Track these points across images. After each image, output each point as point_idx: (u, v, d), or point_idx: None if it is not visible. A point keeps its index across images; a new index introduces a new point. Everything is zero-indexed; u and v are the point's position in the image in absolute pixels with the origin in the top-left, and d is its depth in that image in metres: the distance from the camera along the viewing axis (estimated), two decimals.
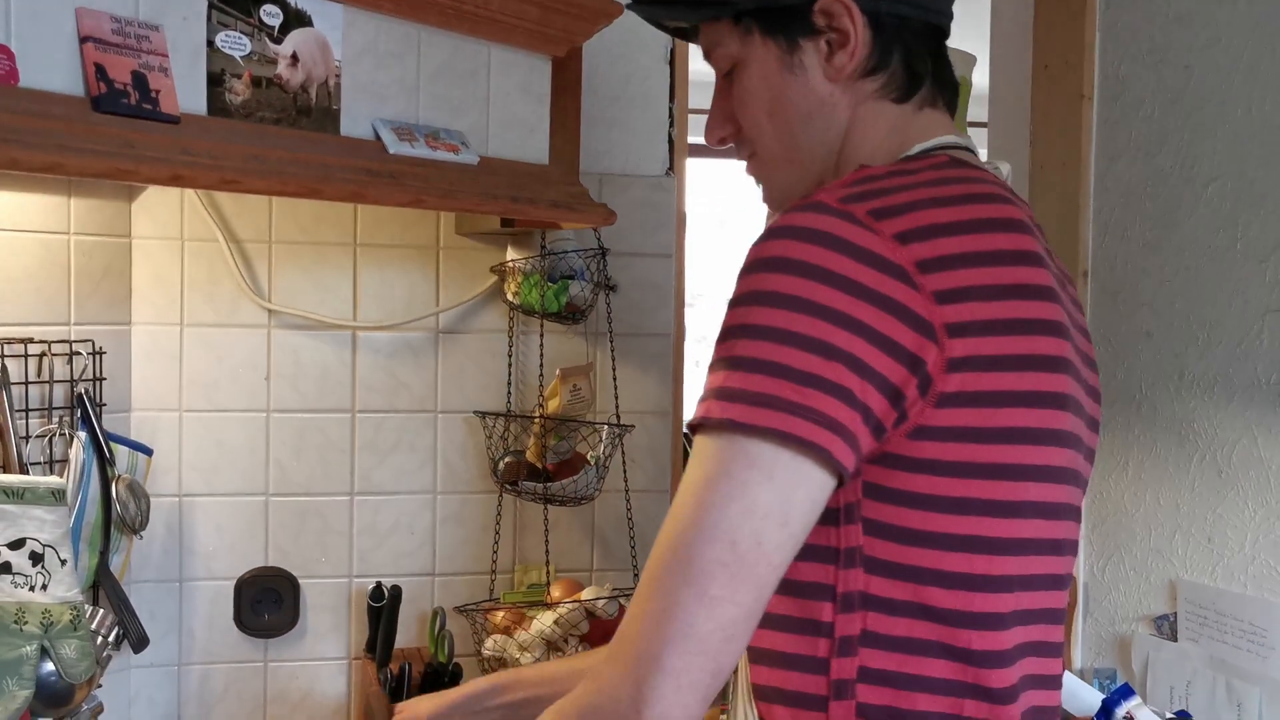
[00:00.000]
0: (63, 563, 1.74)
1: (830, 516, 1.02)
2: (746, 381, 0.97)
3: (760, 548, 0.96)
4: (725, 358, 0.99)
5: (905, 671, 1.03)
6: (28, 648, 1.68)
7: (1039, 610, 1.08)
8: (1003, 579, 1.04)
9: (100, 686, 1.89)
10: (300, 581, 2.17)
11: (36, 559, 1.72)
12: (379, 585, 2.08)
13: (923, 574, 1.02)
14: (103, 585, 1.91)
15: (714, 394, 0.99)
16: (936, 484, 1.00)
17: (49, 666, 1.73)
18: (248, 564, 2.15)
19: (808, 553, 1.01)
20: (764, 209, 1.28)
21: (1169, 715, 1.83)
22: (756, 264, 1.01)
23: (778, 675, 1.07)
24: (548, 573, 2.19)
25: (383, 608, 2.04)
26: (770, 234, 1.01)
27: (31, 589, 1.71)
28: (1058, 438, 1.04)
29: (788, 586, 1.02)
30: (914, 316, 0.98)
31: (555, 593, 2.16)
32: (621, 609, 2.08)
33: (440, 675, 1.98)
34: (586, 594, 2.07)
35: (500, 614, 2.12)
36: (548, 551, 2.17)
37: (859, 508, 1.02)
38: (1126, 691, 2.00)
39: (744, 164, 1.26)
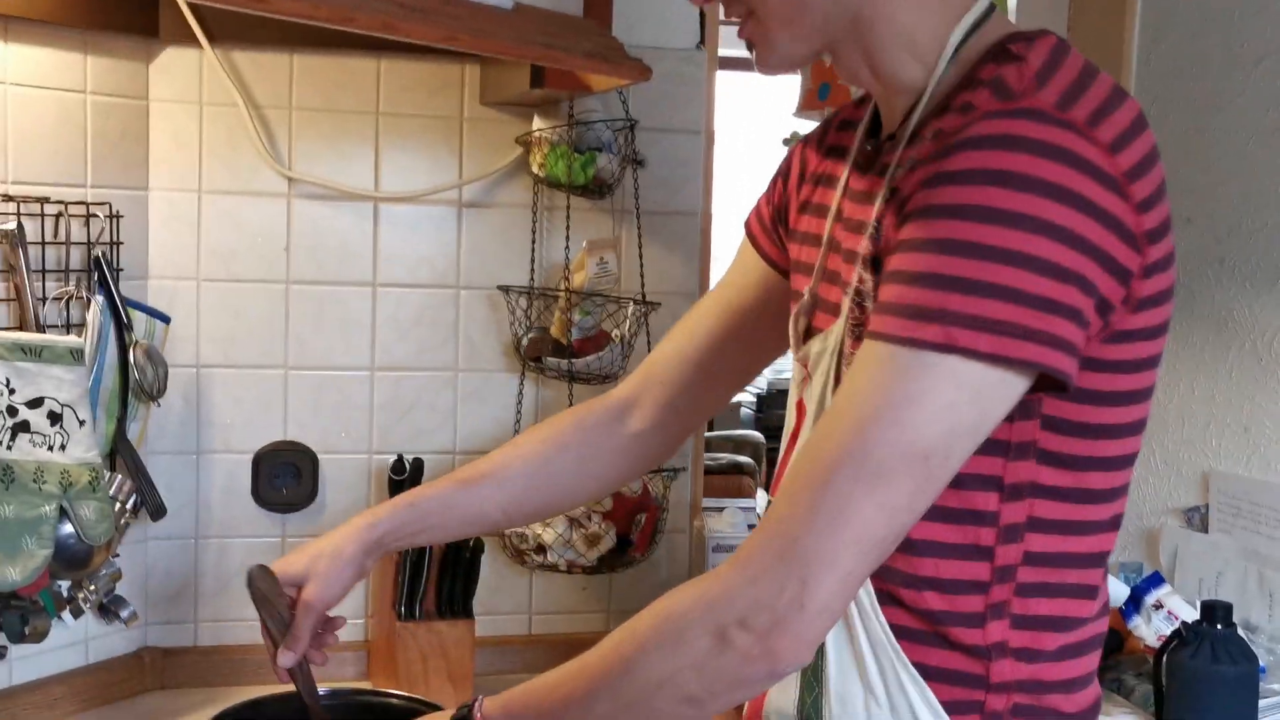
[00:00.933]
0: (81, 423, 1.71)
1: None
2: (979, 307, 0.94)
3: (949, 461, 0.97)
4: (945, 275, 0.95)
5: (1063, 550, 1.07)
6: (46, 507, 1.66)
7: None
8: (1133, 455, 1.09)
9: (118, 556, 1.87)
10: (319, 456, 2.14)
11: (55, 419, 1.69)
12: (400, 458, 2.05)
13: (1090, 461, 1.05)
14: (120, 453, 1.88)
15: (932, 315, 0.94)
16: (1119, 380, 1.04)
17: (68, 528, 1.71)
18: (266, 438, 2.12)
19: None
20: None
21: (1200, 602, 1.80)
22: (981, 175, 0.95)
23: (931, 564, 1.06)
24: None
25: (404, 481, 2.00)
26: (992, 142, 0.96)
27: (50, 449, 1.68)
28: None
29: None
30: (1126, 230, 0.98)
31: None
32: (645, 488, 2.05)
33: (461, 551, 1.96)
34: None
35: None
36: None
37: (1039, 405, 1.02)
38: (1156, 580, 1.98)
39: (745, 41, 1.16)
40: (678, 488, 2.20)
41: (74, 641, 1.95)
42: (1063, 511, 1.06)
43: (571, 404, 2.12)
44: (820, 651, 1.10)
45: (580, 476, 1.44)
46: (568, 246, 2.11)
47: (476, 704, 1.14)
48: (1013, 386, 0.96)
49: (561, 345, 2.08)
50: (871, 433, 0.95)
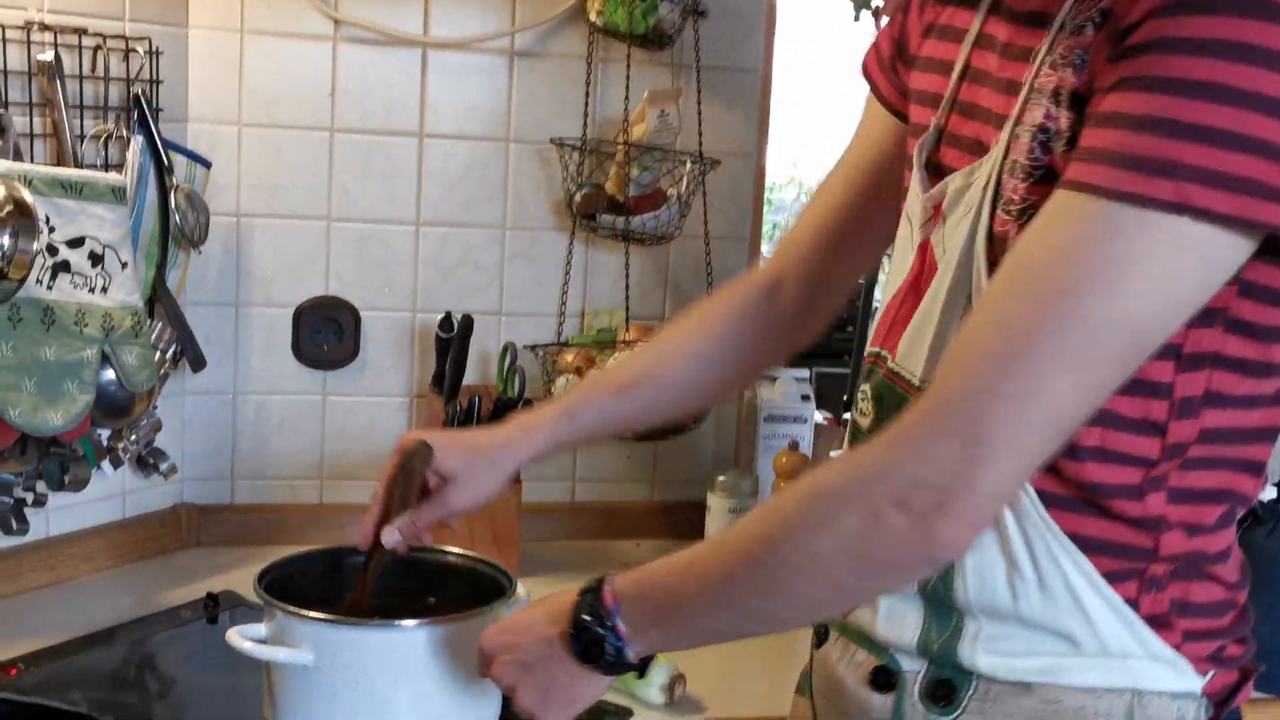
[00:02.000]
0: (123, 266, 1.64)
1: None
2: (1219, 160, 0.82)
3: (1161, 334, 0.87)
4: (1180, 121, 0.82)
5: (1236, 426, 0.97)
6: (88, 351, 1.59)
7: None
8: None
9: (157, 407, 1.82)
10: (361, 313, 2.07)
11: (96, 260, 1.62)
12: (449, 315, 1.97)
13: (1276, 332, 0.94)
14: (160, 300, 1.81)
15: (1162, 168, 0.82)
16: None
17: (109, 375, 1.64)
18: (307, 292, 2.05)
19: None
20: None
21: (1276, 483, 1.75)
22: (1230, 3, 0.82)
23: (1096, 434, 0.95)
24: (626, 313, 2.09)
25: (451, 339, 1.93)
26: None
27: (92, 291, 1.61)
28: None
29: None
30: None
31: (628, 336, 2.06)
32: None
33: (511, 409, 1.89)
34: None
35: (571, 354, 2.03)
36: (627, 291, 2.05)
37: (1242, 267, 0.89)
38: None
39: None
40: None
41: (110, 495, 1.90)
42: (1244, 387, 0.95)
43: (628, 262, 2.05)
44: None
45: (737, 366, 1.34)
46: (627, 98, 2.01)
47: (607, 580, 1.05)
48: (1242, 251, 0.86)
49: (616, 202, 1.99)
50: (1078, 301, 0.84)
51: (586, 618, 1.03)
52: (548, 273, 2.12)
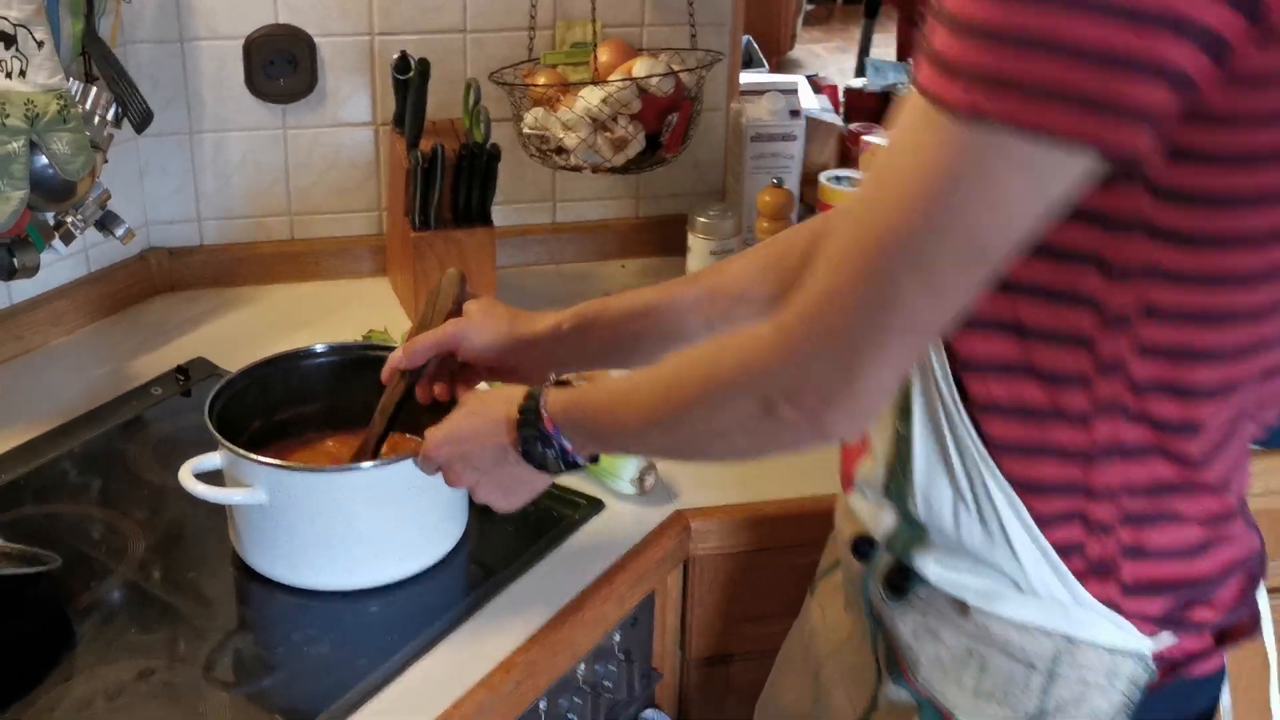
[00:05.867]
0: (40, 45, 1.51)
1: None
2: (1026, 68, 0.73)
3: (1005, 241, 0.80)
4: (988, 23, 0.74)
5: (1188, 344, 0.89)
6: (14, 144, 1.49)
7: None
8: None
9: (101, 183, 1.71)
10: (316, 40, 1.93)
11: (8, 41, 1.48)
12: (404, 55, 1.83)
13: (1218, 240, 0.85)
14: (92, 55, 1.68)
15: (973, 74, 0.75)
16: (1259, 138, 0.80)
17: (44, 159, 1.54)
18: (255, 21, 1.90)
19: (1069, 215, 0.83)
20: None
21: None
22: None
23: (1021, 348, 0.92)
24: (594, 30, 1.95)
25: (409, 80, 1.81)
26: None
27: (9, 76, 1.49)
28: None
29: (1040, 250, 0.85)
30: None
31: (603, 56, 1.92)
32: (678, 82, 1.85)
33: (476, 156, 1.79)
34: (638, 68, 1.83)
35: (541, 80, 1.90)
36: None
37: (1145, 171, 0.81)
38: None
39: None
40: (713, 78, 2.00)
41: (73, 252, 1.83)
42: (1187, 298, 0.87)
43: None
44: (907, 442, 1.00)
45: None
46: None
47: (541, 402, 1.11)
48: (1082, 167, 0.76)
49: None
50: (913, 212, 0.80)
51: (531, 433, 1.12)
52: None
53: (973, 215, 0.78)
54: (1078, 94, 0.73)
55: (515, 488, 1.20)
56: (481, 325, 1.28)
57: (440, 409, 1.35)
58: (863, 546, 1.10)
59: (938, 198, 0.78)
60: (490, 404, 1.18)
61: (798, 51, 4.84)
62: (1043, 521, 0.95)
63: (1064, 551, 0.96)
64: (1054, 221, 0.82)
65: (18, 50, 1.49)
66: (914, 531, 1.04)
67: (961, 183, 0.78)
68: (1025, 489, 0.95)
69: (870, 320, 0.84)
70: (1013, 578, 0.98)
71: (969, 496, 0.97)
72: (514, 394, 1.15)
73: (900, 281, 0.81)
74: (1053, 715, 1.00)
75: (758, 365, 0.91)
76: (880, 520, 1.07)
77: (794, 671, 1.31)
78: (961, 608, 1.01)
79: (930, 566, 1.02)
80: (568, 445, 1.11)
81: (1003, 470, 0.95)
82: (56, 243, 1.68)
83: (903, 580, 1.05)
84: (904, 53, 3.05)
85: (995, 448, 0.95)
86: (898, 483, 1.02)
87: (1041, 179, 0.77)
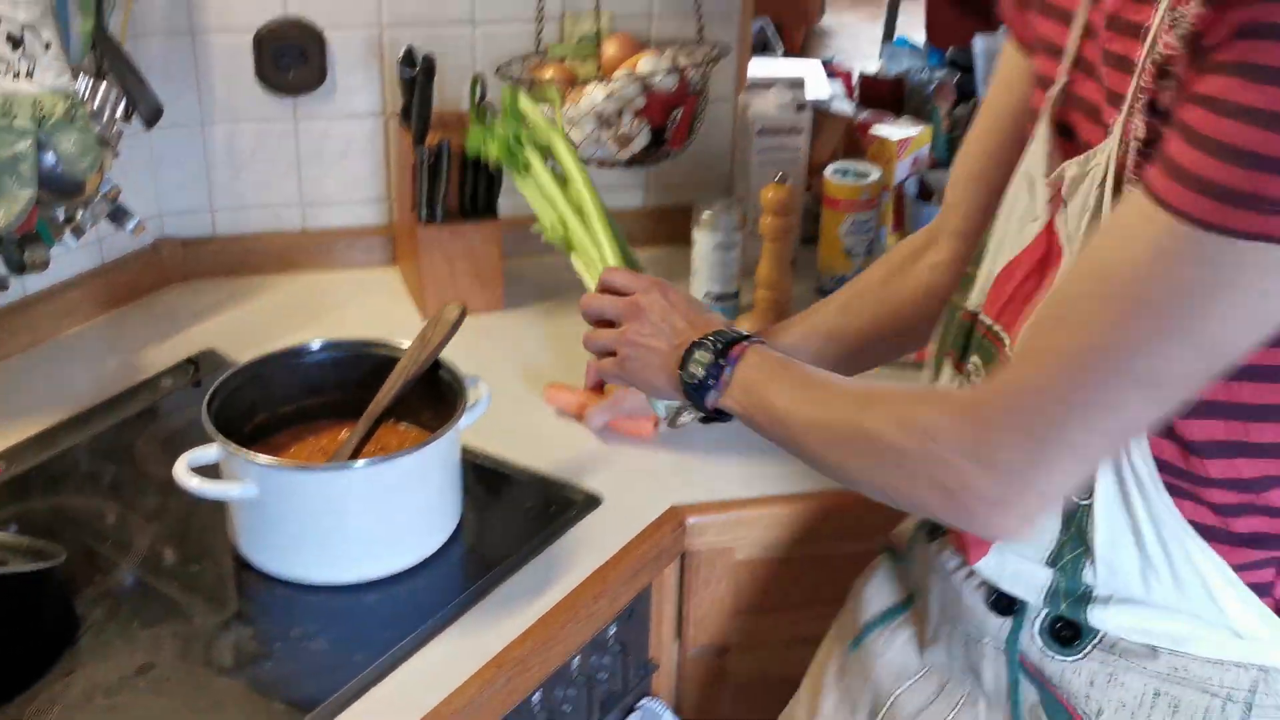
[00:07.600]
0: (46, 46, 1.53)
1: None
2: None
3: (1238, 353, 0.83)
4: (1265, 155, 0.76)
5: None
6: (22, 144, 1.51)
7: None
8: None
9: (119, 155, 1.74)
10: (325, 34, 1.95)
11: (15, 43, 1.51)
12: (409, 51, 1.85)
13: None
14: (103, 51, 1.70)
15: (1246, 201, 0.77)
16: None
17: (53, 158, 1.57)
18: (266, 14, 1.92)
19: None
20: None
21: None
22: None
23: (1241, 429, 0.93)
24: (599, 22, 1.95)
25: (415, 78, 1.82)
26: None
27: (16, 77, 1.51)
28: None
29: None
30: None
31: (609, 50, 1.93)
32: (682, 79, 1.85)
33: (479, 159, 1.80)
34: (642, 66, 1.84)
35: (549, 74, 1.91)
36: None
37: None
38: None
39: None
40: (721, 70, 2.00)
41: (86, 243, 1.86)
42: None
43: None
44: (1088, 515, 0.99)
45: (879, 330, 1.36)
46: None
47: (754, 336, 1.18)
48: None
49: None
50: (1157, 322, 0.81)
51: (710, 347, 1.17)
52: None
53: (1228, 330, 0.80)
54: None
55: (639, 381, 1.28)
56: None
57: (439, 405, 1.38)
58: (1002, 601, 1.09)
59: (1188, 312, 0.80)
60: (702, 318, 1.25)
61: (827, 20, 4.79)
62: (1240, 569, 0.97)
63: (1260, 590, 0.98)
64: None
65: (24, 52, 1.51)
66: (1078, 591, 1.03)
67: (1219, 298, 0.79)
68: (1226, 545, 0.97)
69: (1080, 423, 0.85)
70: (1208, 620, 0.98)
71: (1163, 566, 0.97)
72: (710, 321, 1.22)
73: (1124, 392, 0.83)
74: None
75: (942, 443, 0.93)
76: (1029, 587, 1.06)
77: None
78: (1150, 651, 1.01)
79: (1109, 620, 1.02)
80: (718, 399, 1.15)
81: (1205, 536, 0.96)
82: (68, 236, 1.70)
83: (1070, 632, 1.04)
84: (933, 34, 2.99)
85: (1182, 504, 0.96)
86: (1073, 553, 1.01)
87: None
